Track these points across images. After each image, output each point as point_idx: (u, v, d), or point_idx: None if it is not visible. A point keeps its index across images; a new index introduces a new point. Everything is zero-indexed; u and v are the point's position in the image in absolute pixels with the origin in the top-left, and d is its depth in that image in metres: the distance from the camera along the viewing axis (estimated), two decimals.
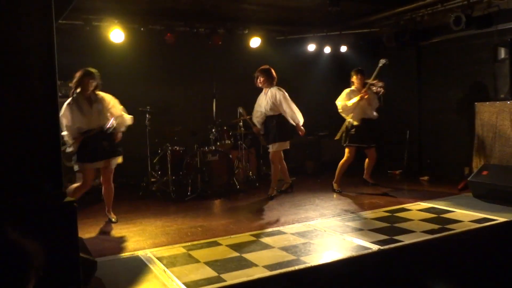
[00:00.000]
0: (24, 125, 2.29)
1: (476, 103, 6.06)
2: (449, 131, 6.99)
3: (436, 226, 4.37)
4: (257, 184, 6.81)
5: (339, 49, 8.05)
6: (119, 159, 4.93)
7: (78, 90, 4.76)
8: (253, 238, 4.19)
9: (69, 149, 4.73)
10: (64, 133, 4.62)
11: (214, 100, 6.90)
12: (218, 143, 6.55)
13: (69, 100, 4.73)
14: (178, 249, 3.95)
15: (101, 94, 4.87)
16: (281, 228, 4.50)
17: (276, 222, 4.78)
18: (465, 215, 4.74)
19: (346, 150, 6.29)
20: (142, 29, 6.70)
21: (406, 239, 3.97)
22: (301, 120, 5.94)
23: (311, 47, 7.88)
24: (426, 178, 6.95)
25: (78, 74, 4.76)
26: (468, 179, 5.69)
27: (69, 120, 4.64)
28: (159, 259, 3.66)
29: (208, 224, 4.84)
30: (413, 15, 6.61)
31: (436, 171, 7.08)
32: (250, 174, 7.01)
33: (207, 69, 7.40)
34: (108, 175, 4.91)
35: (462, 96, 6.75)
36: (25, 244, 1.28)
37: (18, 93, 2.31)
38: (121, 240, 4.38)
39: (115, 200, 5.11)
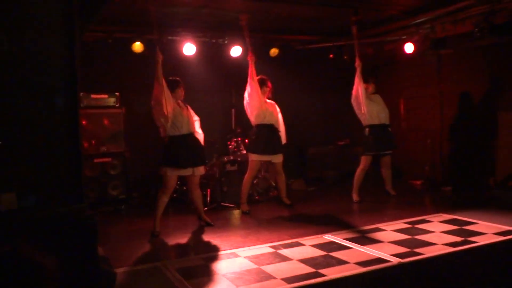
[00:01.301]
0: (44, 136, 2.33)
1: (500, 111, 5.94)
2: (474, 140, 6.85)
3: (458, 239, 4.28)
4: (276, 194, 6.80)
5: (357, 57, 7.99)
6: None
7: None
8: (271, 250, 4.17)
9: None
10: None
11: (233, 109, 6.94)
12: (237, 153, 6.57)
13: None
14: (197, 261, 3.96)
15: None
16: (300, 240, 4.47)
17: (295, 233, 4.75)
18: (489, 227, 4.63)
19: (362, 158, 6.30)
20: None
21: (427, 252, 3.90)
22: None
23: (330, 56, 7.84)
24: (449, 188, 6.82)
25: None
26: (493, 190, 5.56)
27: None
28: (178, 270, 3.68)
29: (227, 235, 4.84)
30: (433, 24, 6.56)
31: (460, 181, 6.93)
32: (270, 184, 7.00)
33: (226, 78, 7.45)
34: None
35: (486, 104, 6.61)
36: (40, 260, 1.31)
37: (40, 105, 2.36)
38: (141, 251, 4.42)
39: (135, 209, 5.17)
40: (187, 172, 5.00)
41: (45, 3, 2.41)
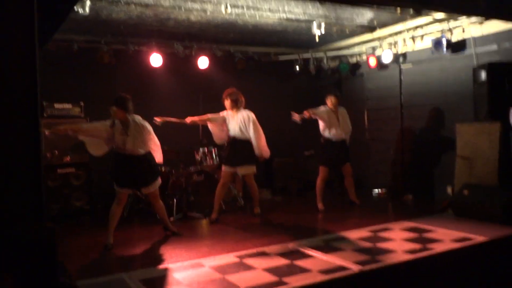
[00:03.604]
0: (1, 147, 2.29)
1: (457, 123, 6.20)
2: (433, 150, 7.11)
3: (417, 246, 4.43)
4: (243, 204, 6.83)
5: (323, 69, 8.19)
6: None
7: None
8: (236, 259, 4.20)
9: None
10: None
11: None
12: (203, 163, 6.58)
13: None
14: (161, 271, 3.95)
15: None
16: (265, 249, 4.52)
17: (260, 242, 4.80)
18: (446, 234, 4.81)
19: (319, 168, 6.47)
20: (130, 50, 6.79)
21: (388, 259, 4.02)
22: None
23: (297, 69, 8.00)
24: (409, 197, 7.04)
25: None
26: (450, 198, 5.79)
27: None
28: (142, 281, 3.65)
29: (193, 245, 4.84)
30: (395, 39, 6.85)
31: (419, 190, 7.17)
32: (236, 195, 7.03)
33: (194, 88, 7.46)
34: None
35: (444, 116, 6.89)
36: None
37: None
38: (105, 262, 4.37)
39: (99, 220, 5.11)
40: (128, 191, 5.01)
41: (3, 7, 2.38)
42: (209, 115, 6.05)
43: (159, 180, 5.12)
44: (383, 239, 4.75)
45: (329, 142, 6.39)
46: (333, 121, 6.38)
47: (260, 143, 6.02)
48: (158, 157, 5.17)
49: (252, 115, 6.02)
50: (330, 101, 6.44)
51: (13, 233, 2.12)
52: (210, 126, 6.15)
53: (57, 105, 6.29)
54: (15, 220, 2.18)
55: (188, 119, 5.96)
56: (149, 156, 5.00)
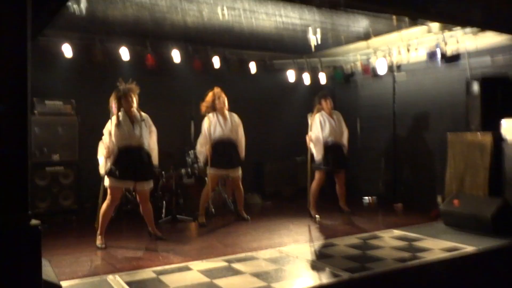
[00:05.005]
0: None
1: (448, 133, 6.23)
2: (424, 159, 7.13)
3: (407, 254, 4.41)
4: (233, 208, 6.78)
5: (317, 75, 8.19)
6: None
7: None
8: (225, 264, 4.15)
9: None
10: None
11: (192, 122, 6.92)
12: (194, 166, 6.53)
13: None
14: (148, 273, 3.89)
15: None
16: (253, 254, 4.48)
17: (249, 247, 4.76)
18: (436, 243, 4.80)
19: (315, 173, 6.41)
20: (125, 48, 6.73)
21: (377, 267, 3.99)
22: None
23: (291, 74, 7.99)
24: (400, 205, 7.04)
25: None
26: (440, 207, 5.79)
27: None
28: (128, 283, 3.59)
29: (181, 248, 4.79)
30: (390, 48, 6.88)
31: (410, 199, 7.18)
32: (226, 198, 6.98)
33: (186, 90, 7.41)
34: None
35: (436, 126, 6.91)
36: None
37: None
38: (90, 262, 4.30)
39: (86, 220, 5.04)
40: (127, 184, 4.94)
41: None
42: (206, 135, 6.00)
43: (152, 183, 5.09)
44: (373, 247, 4.73)
45: (326, 146, 6.35)
46: (328, 125, 6.37)
47: (243, 146, 6.16)
48: (154, 158, 5.13)
49: (238, 118, 6.10)
50: (325, 104, 6.44)
51: None
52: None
53: (47, 102, 6.20)
54: None
55: (204, 157, 6.00)
56: (149, 152, 5.04)
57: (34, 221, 2.29)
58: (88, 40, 6.52)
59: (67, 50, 6.27)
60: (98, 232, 4.89)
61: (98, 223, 4.91)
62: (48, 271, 3.12)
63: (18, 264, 2.10)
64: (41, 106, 6.15)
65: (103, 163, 4.87)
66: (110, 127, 4.86)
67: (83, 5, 4.76)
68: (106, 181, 4.85)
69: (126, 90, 4.93)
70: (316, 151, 6.32)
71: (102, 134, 4.97)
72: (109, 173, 4.81)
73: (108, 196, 4.85)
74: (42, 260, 2.40)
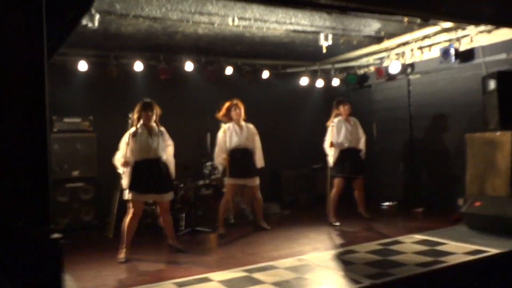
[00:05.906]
0: (10, 161, 2.27)
1: (466, 134, 6.13)
2: (443, 162, 7.02)
3: (429, 259, 4.34)
4: (252, 218, 6.77)
5: (331, 81, 8.17)
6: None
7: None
8: (245, 274, 4.14)
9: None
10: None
11: (208, 133, 6.96)
12: (212, 177, 6.56)
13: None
14: (169, 286, 3.90)
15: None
16: (273, 263, 4.45)
17: (269, 256, 4.74)
18: (459, 247, 4.71)
19: (334, 181, 6.37)
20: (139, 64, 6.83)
21: (399, 273, 3.93)
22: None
23: (304, 81, 8.00)
24: (420, 210, 6.93)
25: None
26: (461, 210, 5.68)
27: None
28: None
29: (201, 259, 4.80)
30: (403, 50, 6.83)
31: (430, 202, 7.06)
32: (244, 208, 6.98)
33: (201, 102, 7.47)
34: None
35: (454, 126, 6.82)
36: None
37: (3, 127, 2.30)
38: (112, 277, 4.32)
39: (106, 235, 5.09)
40: (149, 197, 4.99)
41: (12, 18, 2.38)
42: (222, 146, 6.02)
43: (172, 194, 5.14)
44: (394, 252, 4.67)
45: (344, 152, 6.33)
46: (344, 130, 6.36)
47: (260, 155, 6.17)
48: (172, 171, 5.17)
49: (254, 127, 6.16)
50: (343, 109, 6.42)
51: (18, 236, 2.09)
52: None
53: (66, 119, 6.33)
54: (21, 225, 2.16)
55: (222, 165, 6.03)
56: (167, 164, 5.10)
57: (56, 235, 2.33)
58: (103, 57, 6.65)
59: (83, 67, 6.40)
60: (123, 245, 4.91)
61: (110, 232, 4.96)
62: (71, 286, 3.16)
63: (40, 277, 2.12)
64: (60, 123, 6.28)
65: (123, 174, 4.95)
66: (127, 139, 4.93)
67: (97, 21, 4.86)
68: (127, 195, 4.90)
69: (149, 103, 5.03)
70: (331, 156, 6.31)
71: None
72: (131, 187, 4.86)
73: (130, 210, 4.89)
74: (65, 275, 2.43)
